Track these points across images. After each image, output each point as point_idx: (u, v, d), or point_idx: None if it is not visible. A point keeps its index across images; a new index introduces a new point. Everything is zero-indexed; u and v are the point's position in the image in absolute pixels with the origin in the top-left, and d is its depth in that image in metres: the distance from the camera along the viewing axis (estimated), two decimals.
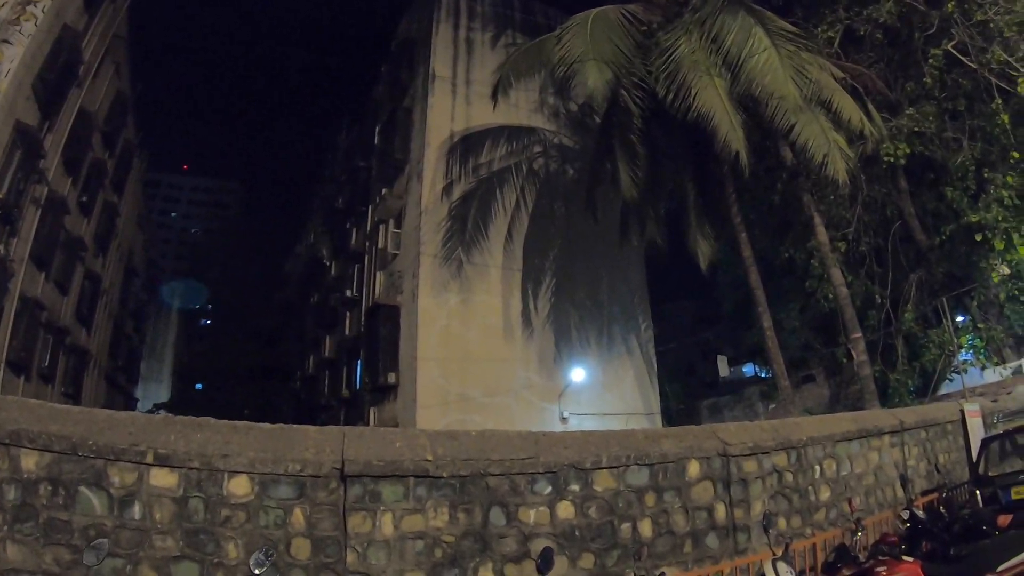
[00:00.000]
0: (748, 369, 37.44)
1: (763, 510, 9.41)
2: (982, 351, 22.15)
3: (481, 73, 23.88)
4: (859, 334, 19.03)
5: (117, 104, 29.53)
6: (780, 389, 17.77)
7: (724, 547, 8.50)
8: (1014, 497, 10.39)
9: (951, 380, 21.94)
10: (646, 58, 16.95)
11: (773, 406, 30.60)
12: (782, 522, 9.85)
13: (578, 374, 22.39)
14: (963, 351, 22.08)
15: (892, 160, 19.57)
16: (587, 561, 7.23)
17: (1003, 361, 21.95)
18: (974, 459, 12.38)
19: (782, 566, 6.83)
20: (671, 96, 15.73)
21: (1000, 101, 18.26)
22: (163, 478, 5.63)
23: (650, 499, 7.98)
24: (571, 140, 25.54)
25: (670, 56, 16.04)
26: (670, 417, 26.43)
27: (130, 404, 37.35)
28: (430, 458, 6.43)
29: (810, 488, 10.65)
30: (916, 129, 19.40)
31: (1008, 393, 19.02)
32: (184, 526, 5.60)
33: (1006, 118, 18.11)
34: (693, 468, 8.64)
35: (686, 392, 32.23)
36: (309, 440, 6.28)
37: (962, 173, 19.99)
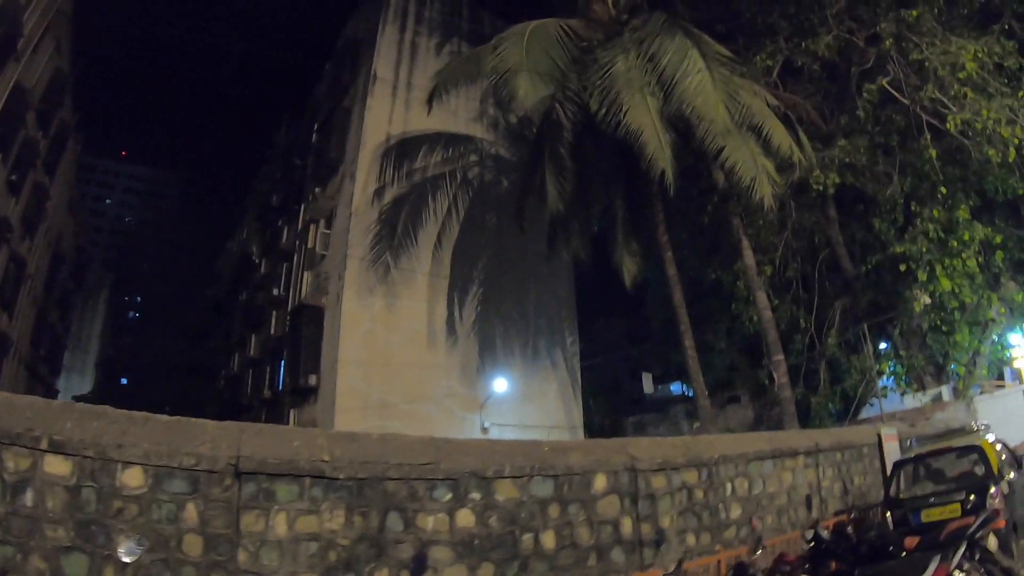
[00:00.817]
0: (676, 388, 36.98)
1: (671, 526, 9.08)
2: (903, 378, 22.11)
3: (423, 78, 22.97)
4: (781, 356, 18.69)
5: (55, 82, 27.80)
6: (700, 408, 17.18)
7: (630, 561, 8.25)
8: (924, 519, 10.10)
9: (871, 405, 21.72)
10: (583, 74, 16.28)
11: (697, 425, 30.21)
12: (691, 538, 9.43)
13: (500, 384, 21.54)
14: (884, 377, 21.95)
15: (821, 189, 19.26)
16: (486, 571, 6.97)
17: (923, 388, 21.81)
18: (886, 481, 12.01)
19: None
20: (604, 111, 15.12)
21: (930, 137, 18.15)
22: (57, 465, 5.26)
23: (554, 511, 7.71)
24: (508, 152, 24.78)
25: (607, 72, 15.40)
26: (593, 432, 25.74)
27: (50, 395, 34.38)
28: (327, 459, 6.16)
29: (720, 506, 10.29)
30: (847, 160, 19.08)
31: (926, 419, 19.02)
32: (76, 516, 5.22)
33: (934, 153, 17.99)
34: (600, 482, 8.36)
35: (612, 408, 31.51)
36: (206, 434, 5.94)
37: (891, 206, 19.95)
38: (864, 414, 21.98)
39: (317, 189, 24.59)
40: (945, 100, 17.65)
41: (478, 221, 23.18)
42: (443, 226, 22.26)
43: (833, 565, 8.26)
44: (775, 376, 18.81)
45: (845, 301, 22.40)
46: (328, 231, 23.02)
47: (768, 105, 16.38)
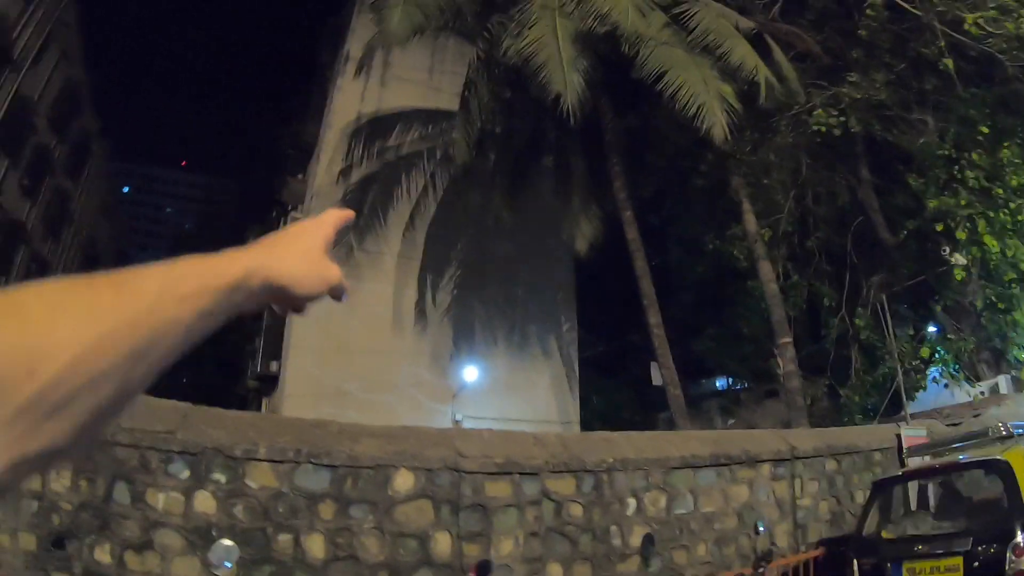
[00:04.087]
0: (721, 383, 31.71)
1: (515, 551, 6.24)
2: (951, 366, 16.55)
3: (401, 55, 19.40)
4: (788, 339, 14.31)
5: (67, 91, 26.60)
6: (671, 399, 12.82)
7: None
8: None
9: (913, 400, 16.38)
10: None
11: (733, 421, 25.32)
12: (555, 569, 6.40)
13: (471, 373, 17.56)
14: (932, 366, 16.52)
15: (824, 129, 14.22)
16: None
17: (977, 378, 16.32)
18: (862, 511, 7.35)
19: None
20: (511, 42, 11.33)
21: (944, 45, 13.12)
22: None
23: (327, 510, 5.71)
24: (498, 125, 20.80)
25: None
26: (591, 428, 21.14)
27: None
28: None
29: (614, 528, 6.94)
30: (858, 96, 14.06)
31: (976, 415, 13.82)
32: None
33: (950, 63, 12.98)
34: (403, 480, 6.01)
35: (641, 403, 26.63)
36: None
37: (929, 159, 14.76)
38: (911, 409, 16.73)
39: (300, 175, 21.35)
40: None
41: (459, 200, 19.28)
42: (417, 205, 18.42)
43: None
44: (780, 362, 14.33)
45: (882, 276, 17.08)
46: (299, 216, 19.67)
47: (739, 29, 11.86)
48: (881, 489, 7.06)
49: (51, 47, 24.40)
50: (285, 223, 19.55)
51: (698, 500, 7.41)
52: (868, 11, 13.79)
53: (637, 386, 26.86)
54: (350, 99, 19.36)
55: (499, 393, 18.00)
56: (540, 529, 6.34)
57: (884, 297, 14.50)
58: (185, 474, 5.39)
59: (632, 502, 6.97)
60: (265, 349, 18.54)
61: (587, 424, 20.53)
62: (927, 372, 16.09)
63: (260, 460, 5.56)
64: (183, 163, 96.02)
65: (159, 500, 5.31)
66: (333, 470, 5.77)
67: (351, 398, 16.17)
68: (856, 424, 15.16)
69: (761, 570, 6.70)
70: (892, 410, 15.51)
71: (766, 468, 8.15)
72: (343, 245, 17.45)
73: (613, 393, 26.60)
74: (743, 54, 11.21)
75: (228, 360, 29.77)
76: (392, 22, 11.45)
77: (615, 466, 6.94)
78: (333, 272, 0.75)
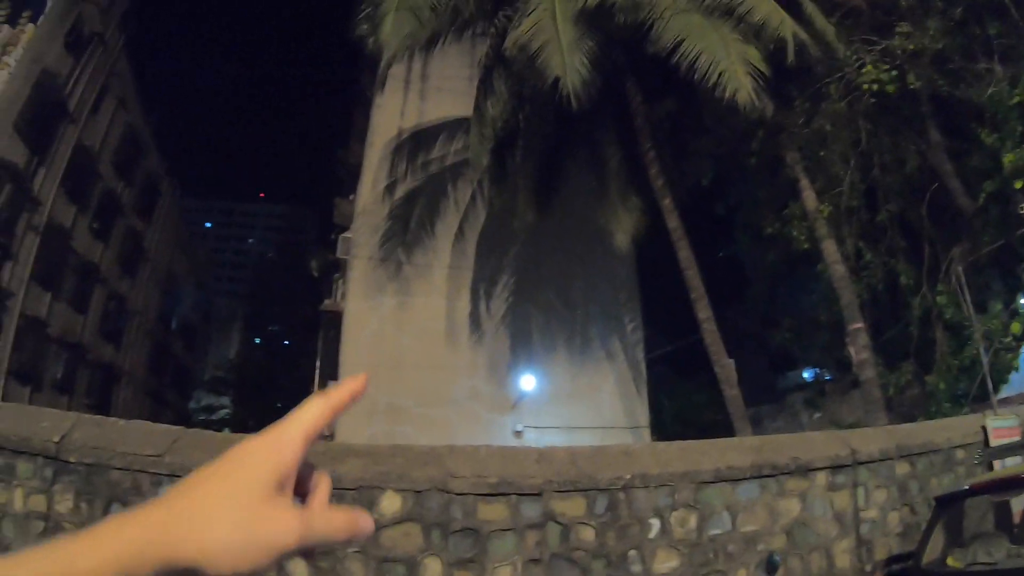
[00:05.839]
0: (809, 374, 30.06)
1: None
2: None
3: (440, 66, 19.19)
4: (860, 324, 13.27)
5: (128, 137, 27.98)
6: (727, 400, 12.09)
7: None
8: None
9: (1006, 383, 14.82)
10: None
11: (819, 415, 23.89)
12: None
13: (528, 382, 16.98)
14: None
15: (877, 88, 12.96)
16: None
17: None
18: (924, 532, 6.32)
19: None
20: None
21: None
22: None
23: None
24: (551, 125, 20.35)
25: None
26: (664, 431, 20.20)
27: (182, 417, 34.93)
28: (56, 440, 5.49)
29: (632, 553, 6.15)
30: (912, 48, 12.79)
31: None
32: None
33: None
34: (389, 502, 5.64)
35: (721, 402, 25.41)
36: None
37: (1002, 110, 13.11)
38: (1003, 394, 15.11)
39: (351, 196, 21.57)
40: None
41: (509, 205, 18.94)
42: (466, 215, 18.18)
43: None
44: (851, 350, 13.28)
45: (963, 247, 15.53)
46: (348, 235, 19.81)
47: None
48: (947, 505, 5.78)
49: (107, 97, 25.63)
50: (338, 245, 19.97)
51: (737, 518, 6.47)
52: None
53: (717, 384, 25.75)
54: (389, 115, 19.22)
55: (562, 401, 17.36)
56: (543, 555, 5.76)
57: (960, 269, 13.13)
58: None
59: (655, 523, 6.22)
60: (322, 370, 18.73)
61: (660, 428, 19.74)
62: (1020, 350, 14.55)
63: None
64: (261, 195, 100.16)
65: None
66: None
67: (406, 413, 15.92)
68: (945, 415, 13.86)
69: None
70: (984, 396, 14.13)
71: (822, 477, 7.14)
72: (392, 261, 17.51)
73: (691, 394, 25.51)
74: (767, 11, 10.23)
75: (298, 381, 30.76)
76: (384, 31, 11.13)
77: (633, 483, 6.30)
78: (285, 530, 0.49)
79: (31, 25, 20.97)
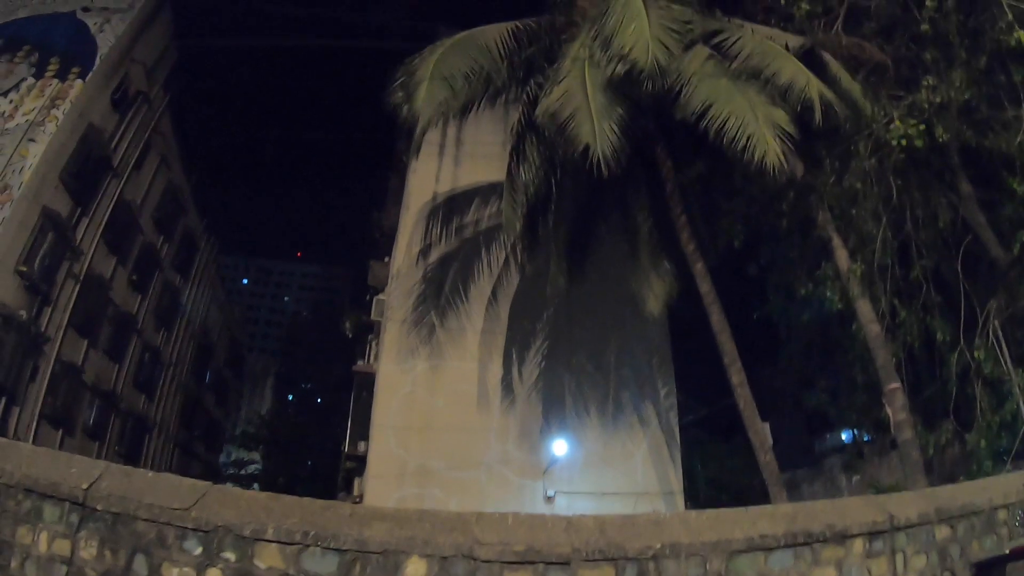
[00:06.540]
0: (847, 435, 29.42)
1: None
2: None
3: (474, 132, 19.88)
4: (897, 384, 12.95)
5: (169, 194, 29.04)
6: (763, 467, 11.83)
7: None
8: None
9: None
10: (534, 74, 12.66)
11: (857, 478, 23.28)
12: None
13: (560, 447, 16.77)
14: None
15: (906, 143, 12.94)
16: None
17: None
18: None
19: None
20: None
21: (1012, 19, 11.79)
22: None
23: None
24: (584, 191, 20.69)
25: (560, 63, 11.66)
26: (697, 498, 19.79)
27: (209, 470, 35.95)
28: (84, 487, 5.47)
29: None
30: (939, 100, 12.89)
31: None
32: None
33: (1022, 35, 11.56)
34: (415, 568, 5.42)
35: (757, 467, 24.88)
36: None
37: None
38: None
39: (386, 258, 22.03)
40: None
41: (542, 270, 19.14)
42: (499, 279, 18.31)
43: None
44: (889, 411, 13.01)
45: (999, 300, 15.00)
46: (383, 298, 20.16)
47: (788, 48, 11.07)
48: (986, 571, 5.81)
49: (150, 154, 26.52)
50: (373, 307, 20.31)
51: None
52: (928, 1, 12.62)
53: (752, 448, 25.27)
54: (425, 180, 19.74)
55: (594, 466, 17.08)
56: None
57: (997, 323, 12.90)
58: (198, 551, 5.37)
59: None
60: (353, 430, 18.86)
61: (694, 494, 19.37)
62: None
63: (268, 541, 5.42)
64: (298, 254, 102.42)
65: (173, 574, 5.31)
66: (341, 554, 5.43)
67: (436, 476, 15.86)
68: (986, 473, 13.47)
69: None
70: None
71: (858, 544, 6.93)
72: (425, 325, 17.74)
73: (725, 458, 25.09)
74: (792, 73, 10.36)
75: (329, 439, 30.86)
76: (419, 100, 11.41)
77: (663, 552, 6.26)
78: None
79: (79, 81, 21.81)
